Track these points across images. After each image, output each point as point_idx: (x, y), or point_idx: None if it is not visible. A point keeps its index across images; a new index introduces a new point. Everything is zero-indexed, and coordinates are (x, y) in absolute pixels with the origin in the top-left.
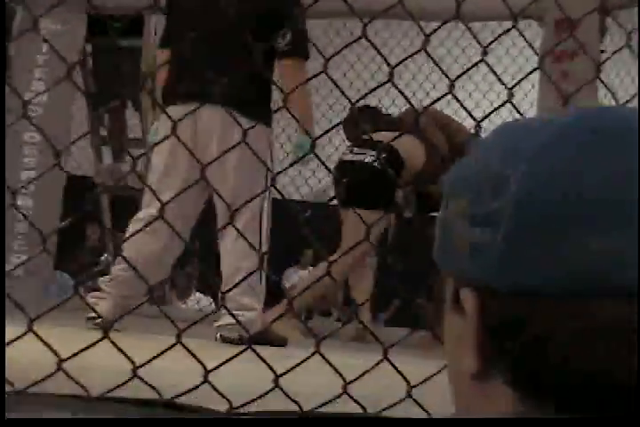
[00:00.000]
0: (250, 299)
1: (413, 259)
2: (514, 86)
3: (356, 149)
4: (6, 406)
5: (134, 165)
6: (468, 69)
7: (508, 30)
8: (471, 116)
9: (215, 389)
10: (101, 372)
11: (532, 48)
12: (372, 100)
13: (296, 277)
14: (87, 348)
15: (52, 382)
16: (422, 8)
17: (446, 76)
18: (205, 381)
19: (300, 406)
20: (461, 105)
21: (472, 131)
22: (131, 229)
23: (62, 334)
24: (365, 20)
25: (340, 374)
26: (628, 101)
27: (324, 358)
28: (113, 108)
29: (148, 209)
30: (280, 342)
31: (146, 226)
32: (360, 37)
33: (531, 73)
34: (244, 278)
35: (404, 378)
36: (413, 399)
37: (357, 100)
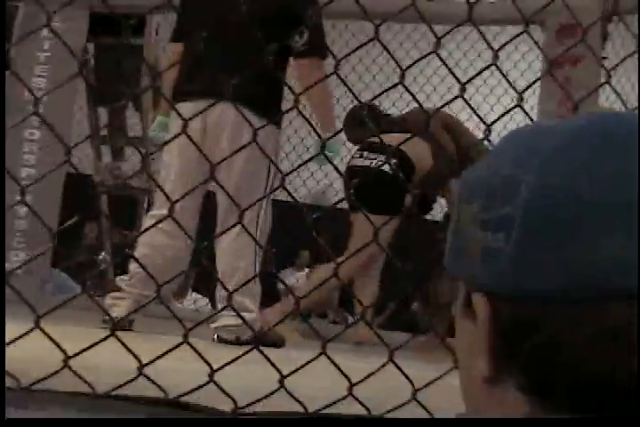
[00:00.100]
0: (247, 299)
1: (411, 262)
2: (524, 91)
3: (366, 153)
4: (12, 402)
5: (145, 164)
6: (479, 73)
7: (519, 34)
8: (481, 119)
9: (221, 388)
10: (107, 370)
11: (544, 53)
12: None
13: (292, 279)
14: (94, 345)
15: (58, 380)
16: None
17: (457, 80)
18: (211, 380)
19: (304, 408)
20: (471, 108)
21: (481, 134)
22: (145, 225)
23: (66, 333)
24: (376, 22)
25: (346, 376)
26: (635, 109)
27: (330, 359)
28: (113, 106)
29: (161, 208)
30: (278, 343)
31: (156, 224)
32: (372, 39)
33: (539, 79)
34: (247, 281)
35: (410, 381)
36: (418, 402)
37: (372, 100)
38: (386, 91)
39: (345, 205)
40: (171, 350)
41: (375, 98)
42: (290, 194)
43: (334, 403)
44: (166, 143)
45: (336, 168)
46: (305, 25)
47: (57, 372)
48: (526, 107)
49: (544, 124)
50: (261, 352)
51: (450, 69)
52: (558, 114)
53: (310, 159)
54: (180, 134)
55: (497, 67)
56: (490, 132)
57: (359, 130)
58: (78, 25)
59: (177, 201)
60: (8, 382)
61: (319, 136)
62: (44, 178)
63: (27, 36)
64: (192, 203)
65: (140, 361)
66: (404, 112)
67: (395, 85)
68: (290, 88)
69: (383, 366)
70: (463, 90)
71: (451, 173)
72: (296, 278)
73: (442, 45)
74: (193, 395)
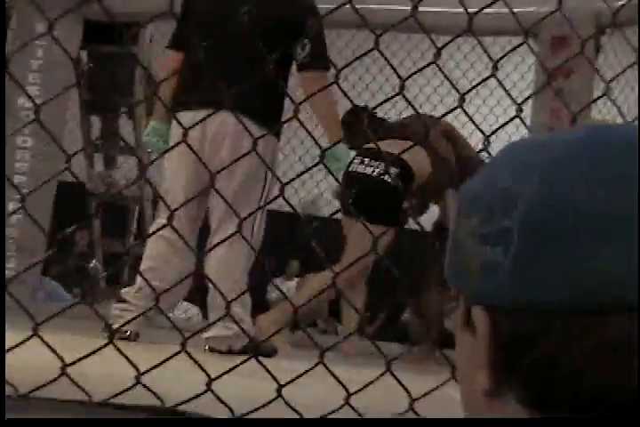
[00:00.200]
0: (239, 309)
1: (402, 273)
2: (523, 102)
3: (366, 159)
4: (11, 410)
5: (142, 173)
6: (476, 85)
7: (519, 45)
8: (480, 130)
9: (218, 398)
10: (104, 378)
11: (541, 66)
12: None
13: (283, 289)
14: (91, 354)
15: (55, 388)
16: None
17: (456, 90)
18: (208, 389)
19: (301, 417)
20: (470, 119)
21: (480, 145)
22: (150, 237)
23: (63, 341)
24: (377, 32)
25: (343, 386)
26: (633, 121)
27: (328, 369)
28: (106, 114)
29: (161, 218)
30: (270, 353)
31: (154, 233)
32: (372, 49)
33: (537, 91)
34: (244, 292)
35: (407, 391)
36: (415, 412)
37: (373, 108)
38: (385, 101)
39: (338, 215)
40: (168, 359)
41: (376, 107)
42: (290, 204)
43: (332, 413)
44: (166, 152)
45: (337, 180)
46: (306, 36)
47: (55, 380)
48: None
49: (541, 137)
50: (260, 362)
51: (449, 79)
52: (551, 125)
53: (310, 168)
54: (179, 143)
55: (496, 78)
56: (489, 143)
57: (355, 134)
58: (72, 33)
59: (176, 210)
60: (6, 389)
61: (319, 147)
62: (34, 186)
63: (23, 47)
64: (195, 212)
65: (137, 370)
66: (401, 117)
67: (395, 95)
68: (290, 98)
69: (382, 375)
70: (462, 100)
71: (448, 182)
72: (287, 288)
73: (450, 56)
74: (190, 404)
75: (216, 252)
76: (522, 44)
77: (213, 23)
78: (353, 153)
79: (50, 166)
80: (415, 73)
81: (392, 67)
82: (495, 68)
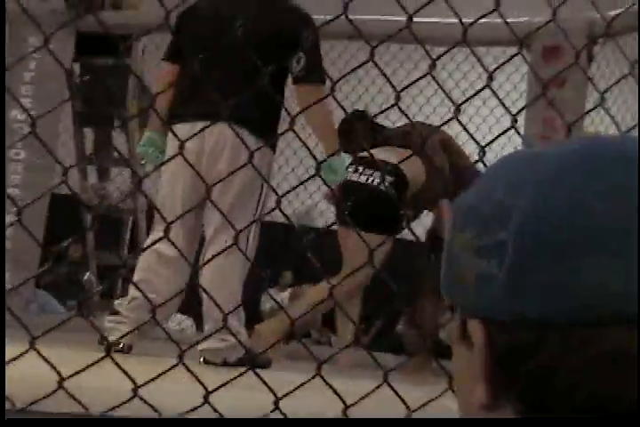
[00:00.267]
0: (234, 321)
1: (396, 283)
2: (518, 113)
3: (361, 168)
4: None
5: (138, 186)
6: (472, 97)
7: (514, 55)
8: (475, 141)
9: (215, 410)
10: (101, 391)
11: (535, 76)
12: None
13: (277, 300)
14: (89, 367)
15: (53, 401)
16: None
17: (452, 102)
18: (206, 402)
19: None
20: (465, 130)
21: (475, 156)
22: (146, 246)
23: (59, 354)
24: (372, 43)
25: (341, 398)
26: (630, 130)
27: (325, 382)
28: (99, 126)
29: (158, 231)
30: (265, 364)
31: (151, 245)
32: (367, 61)
33: (537, 99)
34: (239, 305)
35: (404, 403)
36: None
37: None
38: (382, 112)
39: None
40: (166, 372)
41: (376, 115)
42: (286, 216)
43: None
44: (163, 164)
45: (332, 190)
46: (302, 49)
47: (52, 393)
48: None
49: (535, 150)
50: (257, 375)
51: (445, 92)
52: (544, 135)
53: (306, 180)
54: (177, 155)
55: (491, 89)
56: (484, 153)
57: (352, 139)
58: (64, 45)
59: (172, 222)
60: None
61: (314, 158)
62: (27, 199)
63: (20, 60)
64: (192, 223)
65: (134, 383)
66: (397, 125)
67: (390, 107)
68: (286, 110)
69: (379, 387)
70: (458, 111)
71: (443, 191)
72: (280, 299)
73: (443, 66)
74: (187, 416)
75: (211, 263)
76: (516, 54)
77: (209, 35)
78: (348, 161)
79: (43, 179)
80: (410, 85)
81: (387, 79)
82: (490, 78)
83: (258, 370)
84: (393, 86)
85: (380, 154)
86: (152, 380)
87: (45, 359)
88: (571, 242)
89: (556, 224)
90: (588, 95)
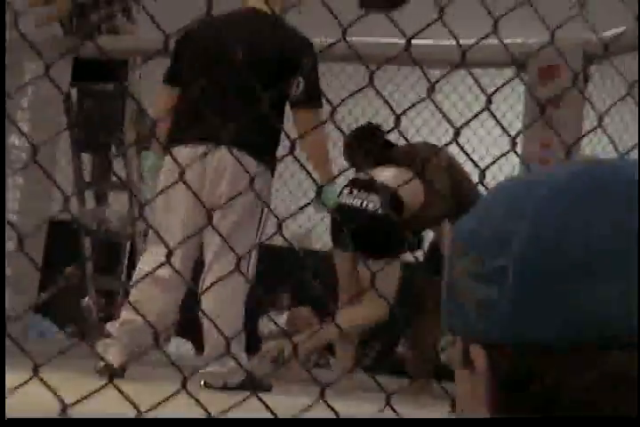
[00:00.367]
0: (235, 345)
1: (397, 304)
2: (517, 135)
3: (355, 190)
4: None
5: (141, 211)
6: (471, 120)
7: (514, 78)
8: (475, 164)
9: None
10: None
11: (533, 96)
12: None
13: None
14: (92, 394)
15: None
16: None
17: (451, 125)
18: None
19: None
20: (465, 154)
21: (476, 179)
22: (138, 272)
23: (58, 379)
24: (371, 66)
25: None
26: (627, 153)
27: (329, 406)
28: (97, 152)
29: (154, 253)
30: (265, 388)
31: (153, 271)
32: (366, 86)
33: (535, 121)
34: (242, 330)
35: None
36: None
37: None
38: (382, 135)
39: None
40: (169, 398)
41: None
42: (287, 241)
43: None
44: (162, 191)
45: (333, 213)
46: (301, 74)
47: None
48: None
49: (534, 174)
50: (260, 399)
51: (445, 116)
52: (541, 155)
53: (306, 205)
54: (179, 180)
55: (490, 112)
56: (484, 176)
57: (359, 154)
58: (61, 70)
59: (173, 249)
60: None
61: (315, 182)
62: (26, 225)
63: (22, 88)
64: (192, 246)
65: (138, 409)
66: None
67: (390, 131)
68: (287, 135)
69: (382, 410)
70: (457, 134)
71: (442, 213)
72: (278, 321)
73: (440, 88)
74: None
75: (212, 287)
76: (515, 77)
77: (209, 60)
78: (338, 190)
79: (41, 205)
80: (409, 108)
81: (387, 102)
82: (489, 101)
83: (261, 395)
84: (393, 110)
85: (377, 175)
86: (157, 406)
87: (49, 387)
88: (570, 268)
89: (556, 250)
90: (585, 115)
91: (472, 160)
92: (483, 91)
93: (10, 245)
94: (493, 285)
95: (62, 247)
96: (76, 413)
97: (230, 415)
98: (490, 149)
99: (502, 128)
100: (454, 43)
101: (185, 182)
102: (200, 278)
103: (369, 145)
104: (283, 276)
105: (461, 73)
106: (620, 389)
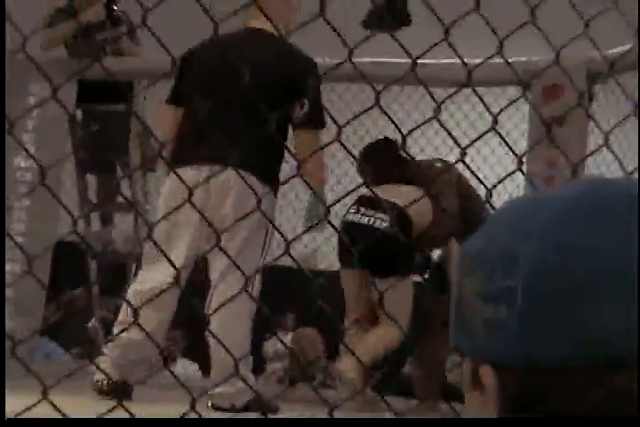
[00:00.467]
0: (243, 366)
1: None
2: (523, 155)
3: (362, 209)
4: None
5: (150, 231)
6: (477, 139)
7: (518, 98)
8: (483, 184)
9: None
10: None
11: (539, 115)
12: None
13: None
14: (103, 415)
15: None
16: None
17: (458, 145)
18: None
19: None
20: (471, 172)
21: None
22: (133, 290)
23: (70, 402)
24: (377, 86)
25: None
26: (633, 172)
27: None
28: (102, 173)
29: (151, 271)
30: (272, 410)
31: (158, 294)
32: (373, 105)
33: (541, 140)
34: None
35: None
36: None
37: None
38: (397, 150)
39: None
40: (180, 418)
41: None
42: (295, 261)
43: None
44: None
45: (340, 233)
46: (306, 95)
47: None
48: (513, 168)
49: (540, 194)
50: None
51: (452, 136)
52: (547, 174)
53: (311, 227)
54: (184, 203)
55: (497, 132)
56: (491, 195)
57: (374, 169)
58: (67, 92)
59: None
60: None
61: (324, 204)
62: (32, 247)
63: (29, 111)
64: (188, 269)
65: None
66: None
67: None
68: (294, 156)
69: None
70: (464, 155)
71: (450, 231)
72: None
73: (445, 107)
74: None
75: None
76: (521, 96)
77: (214, 80)
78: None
79: (47, 227)
80: (415, 129)
81: (394, 123)
82: (495, 122)
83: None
84: (399, 130)
85: (385, 193)
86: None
87: (58, 409)
88: (577, 288)
89: (563, 271)
90: (589, 133)
91: (478, 179)
92: (489, 111)
93: (15, 267)
94: (501, 304)
95: (68, 269)
96: None
97: None
98: (494, 167)
99: (509, 148)
100: (458, 61)
101: (192, 203)
102: (206, 299)
103: (383, 160)
104: (288, 296)
105: (465, 92)
106: (626, 407)
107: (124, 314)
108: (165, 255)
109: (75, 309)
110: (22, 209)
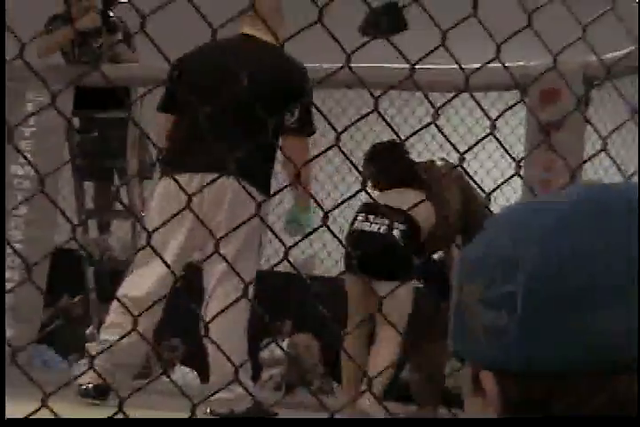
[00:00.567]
0: (241, 373)
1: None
2: (522, 159)
3: (371, 217)
4: None
5: (149, 239)
6: (475, 144)
7: (518, 102)
8: (482, 189)
9: None
10: None
11: (537, 120)
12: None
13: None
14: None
15: None
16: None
17: (457, 151)
18: None
19: None
20: (470, 177)
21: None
22: (120, 294)
23: (69, 409)
24: (375, 92)
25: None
26: (631, 175)
27: None
28: (99, 180)
29: (139, 275)
30: (271, 416)
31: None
32: (372, 111)
33: (539, 145)
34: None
35: None
36: None
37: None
38: (388, 163)
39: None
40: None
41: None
42: (294, 267)
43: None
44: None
45: (339, 240)
46: (297, 102)
47: None
48: (511, 171)
49: (540, 201)
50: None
51: (451, 142)
52: (543, 179)
53: (306, 237)
54: (185, 207)
55: (495, 137)
56: (490, 199)
57: (379, 172)
58: (63, 100)
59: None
60: None
61: (322, 209)
62: (30, 254)
63: (26, 118)
64: (178, 269)
65: None
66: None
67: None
68: (293, 163)
69: None
70: (462, 160)
71: (452, 234)
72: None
73: (442, 112)
74: None
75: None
76: (519, 101)
77: (207, 87)
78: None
79: (45, 234)
80: (413, 134)
81: (392, 128)
82: (494, 126)
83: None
84: (398, 136)
85: (391, 199)
86: None
87: (58, 416)
88: (577, 294)
89: (563, 277)
90: (586, 138)
91: (477, 184)
92: (487, 115)
93: (13, 274)
94: (501, 311)
95: (65, 276)
96: None
97: None
98: (490, 172)
99: (507, 153)
100: (455, 66)
101: (192, 210)
102: (202, 306)
103: (387, 163)
104: (284, 302)
105: (462, 96)
106: (627, 412)
107: (111, 318)
108: (163, 260)
109: (72, 316)
110: (20, 217)
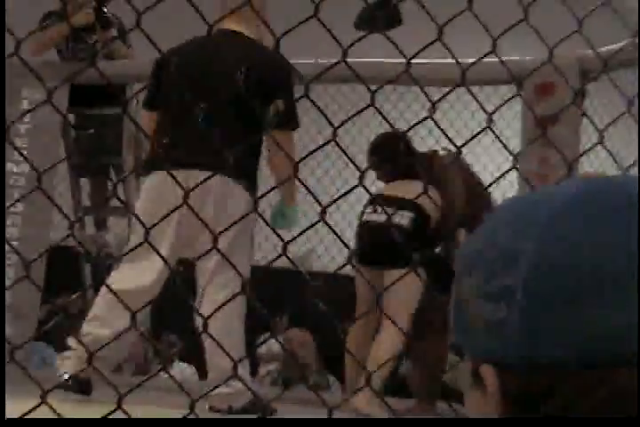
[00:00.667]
0: (240, 368)
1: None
2: (519, 153)
3: (379, 208)
4: None
5: (146, 235)
6: (472, 138)
7: (514, 96)
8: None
9: None
10: None
11: (533, 113)
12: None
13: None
14: (102, 419)
15: None
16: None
17: (454, 145)
18: None
19: None
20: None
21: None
22: (106, 287)
23: (68, 406)
24: (371, 87)
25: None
26: (629, 167)
27: None
28: (95, 176)
29: (127, 269)
30: (270, 411)
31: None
32: (368, 106)
33: (536, 139)
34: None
35: None
36: None
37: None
38: (386, 159)
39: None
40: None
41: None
42: (293, 263)
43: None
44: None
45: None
46: (282, 97)
47: None
48: (507, 165)
49: (539, 193)
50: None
51: (447, 135)
52: (539, 173)
53: (304, 231)
54: (179, 207)
55: (492, 131)
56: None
57: (385, 163)
58: (59, 97)
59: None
60: None
61: (319, 204)
62: (27, 251)
63: (23, 115)
64: (166, 273)
65: None
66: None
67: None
68: (289, 157)
69: None
70: (459, 153)
71: (458, 222)
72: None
73: (437, 106)
74: None
75: (208, 312)
76: (515, 95)
77: (192, 83)
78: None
79: (41, 232)
80: (411, 128)
81: (389, 122)
82: (491, 120)
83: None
84: (394, 130)
85: (397, 190)
86: None
87: (58, 414)
88: (577, 286)
89: (562, 269)
90: (582, 131)
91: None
92: (484, 109)
93: (10, 272)
94: (501, 304)
95: (62, 273)
96: None
97: None
98: (487, 165)
99: (505, 147)
100: (451, 60)
101: (189, 205)
102: (195, 302)
103: (391, 154)
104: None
105: (458, 90)
106: (627, 406)
107: (96, 311)
108: (159, 253)
109: (70, 313)
110: (16, 214)
